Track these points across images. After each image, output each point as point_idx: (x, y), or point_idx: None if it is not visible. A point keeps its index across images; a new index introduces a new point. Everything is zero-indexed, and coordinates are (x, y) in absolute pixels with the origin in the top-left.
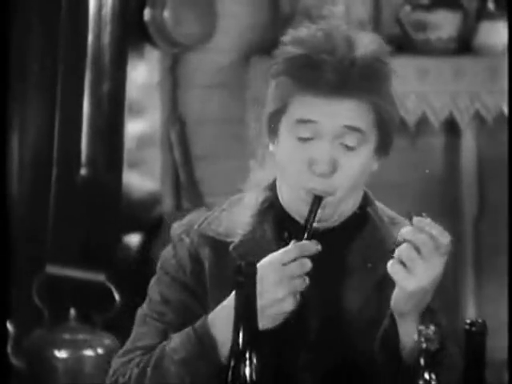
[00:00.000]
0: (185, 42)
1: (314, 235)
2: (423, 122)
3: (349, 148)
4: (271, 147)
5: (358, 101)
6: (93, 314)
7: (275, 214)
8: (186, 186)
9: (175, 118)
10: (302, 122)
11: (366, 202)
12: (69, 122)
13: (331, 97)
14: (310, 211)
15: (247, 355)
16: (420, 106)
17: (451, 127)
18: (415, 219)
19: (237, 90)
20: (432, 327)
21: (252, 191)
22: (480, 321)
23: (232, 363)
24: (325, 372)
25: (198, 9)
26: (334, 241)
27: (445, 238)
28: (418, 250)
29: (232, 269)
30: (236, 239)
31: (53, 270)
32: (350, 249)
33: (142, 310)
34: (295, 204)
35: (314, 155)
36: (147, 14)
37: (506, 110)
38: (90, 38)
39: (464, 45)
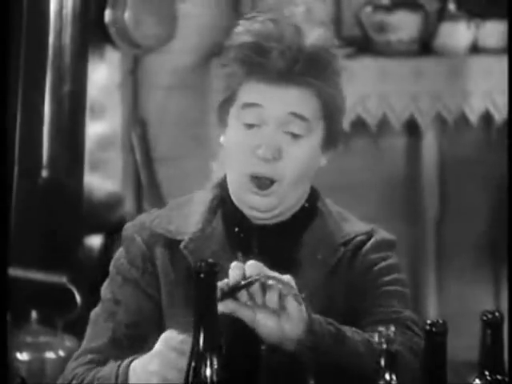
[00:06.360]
0: (146, 43)
1: (266, 229)
2: (384, 123)
3: (294, 136)
4: (222, 139)
5: (304, 89)
6: (54, 316)
7: (225, 211)
8: (147, 188)
9: (136, 119)
10: (248, 106)
11: (314, 196)
12: (30, 123)
13: (277, 83)
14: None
15: (208, 356)
16: (381, 108)
17: (412, 128)
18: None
19: (197, 91)
20: (392, 328)
21: (201, 190)
22: (441, 321)
23: (193, 364)
24: (283, 365)
25: (159, 10)
26: (285, 234)
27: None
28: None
29: (184, 267)
30: (186, 237)
31: (14, 272)
32: (300, 241)
33: (95, 312)
34: (241, 193)
35: (259, 140)
36: (108, 15)
37: (467, 110)
38: (51, 38)
39: (425, 46)
